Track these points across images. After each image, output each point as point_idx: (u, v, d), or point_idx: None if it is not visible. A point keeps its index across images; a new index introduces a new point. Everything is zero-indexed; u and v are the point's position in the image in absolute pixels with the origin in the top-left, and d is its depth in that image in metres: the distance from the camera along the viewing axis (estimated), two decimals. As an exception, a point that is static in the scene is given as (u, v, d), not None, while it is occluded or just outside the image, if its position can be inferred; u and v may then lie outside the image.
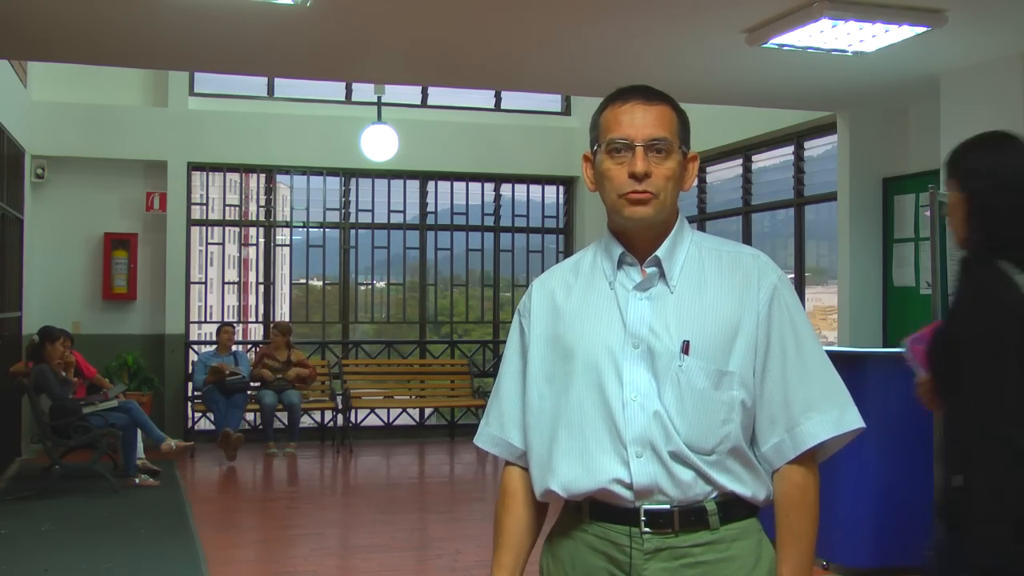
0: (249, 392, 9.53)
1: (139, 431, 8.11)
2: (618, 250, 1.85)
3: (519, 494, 1.91)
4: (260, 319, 10.58)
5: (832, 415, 1.80)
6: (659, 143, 1.79)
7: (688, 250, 1.85)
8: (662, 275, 1.82)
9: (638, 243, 1.84)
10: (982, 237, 2.36)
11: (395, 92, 9.88)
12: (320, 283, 10.87)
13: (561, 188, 11.32)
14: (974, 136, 2.47)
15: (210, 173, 10.42)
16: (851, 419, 1.81)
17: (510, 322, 1.99)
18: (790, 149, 8.29)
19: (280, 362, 9.66)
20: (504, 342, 1.99)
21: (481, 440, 1.98)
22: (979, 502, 2.15)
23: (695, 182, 1.93)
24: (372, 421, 10.61)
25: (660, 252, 1.82)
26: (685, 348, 1.76)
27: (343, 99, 10.58)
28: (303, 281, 10.77)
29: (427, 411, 10.93)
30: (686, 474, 1.75)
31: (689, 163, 1.86)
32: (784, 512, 1.80)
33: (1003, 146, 2.43)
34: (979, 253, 2.37)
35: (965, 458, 2.21)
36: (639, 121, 1.79)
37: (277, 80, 10.21)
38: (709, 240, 1.90)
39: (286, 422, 9.69)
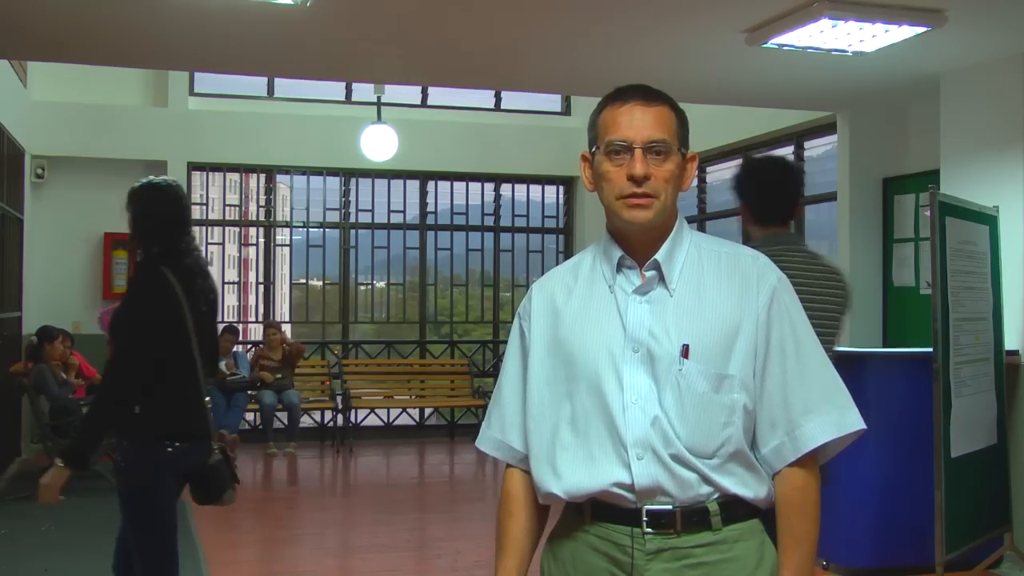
0: (250, 392, 9.54)
1: (139, 431, 8.09)
2: (617, 253, 1.84)
3: (521, 497, 1.90)
4: (260, 319, 10.57)
5: (832, 417, 1.79)
6: (658, 145, 1.78)
7: (687, 252, 1.84)
8: (661, 278, 1.81)
9: (637, 245, 1.83)
10: (147, 249, 3.38)
11: (395, 92, 9.87)
12: (320, 283, 10.87)
13: (561, 188, 11.32)
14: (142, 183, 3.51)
15: (210, 173, 10.42)
16: (852, 421, 1.81)
17: (510, 322, 2.00)
18: (790, 149, 8.28)
19: (276, 361, 9.66)
20: (504, 342, 2.00)
21: (482, 443, 1.98)
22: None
23: (693, 182, 1.91)
24: (372, 421, 10.60)
25: (659, 255, 1.82)
26: (685, 352, 1.75)
27: (343, 99, 10.57)
28: (303, 281, 10.77)
29: (427, 411, 10.93)
30: (688, 475, 1.75)
31: (688, 163, 1.85)
32: (785, 515, 1.80)
33: (154, 188, 3.49)
34: (149, 260, 3.35)
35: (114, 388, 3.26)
36: (638, 123, 1.78)
37: (277, 80, 10.20)
38: (708, 241, 1.89)
39: (286, 422, 9.69)
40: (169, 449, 3.28)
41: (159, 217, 3.41)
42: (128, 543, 3.40)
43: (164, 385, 3.28)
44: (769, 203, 3.31)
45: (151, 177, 3.56)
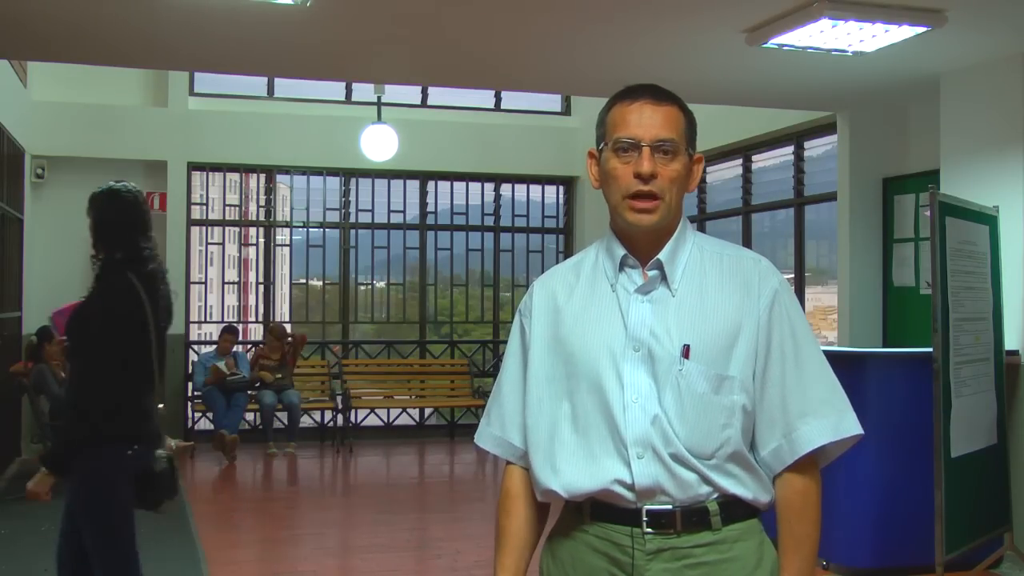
0: (249, 392, 9.54)
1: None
2: (620, 252, 1.84)
3: (520, 495, 1.90)
4: (260, 319, 10.57)
5: (830, 420, 1.79)
6: (666, 144, 1.78)
7: (690, 253, 1.84)
8: (664, 278, 1.81)
9: (640, 245, 1.83)
10: (109, 254, 3.34)
11: (395, 92, 9.87)
12: (320, 283, 10.87)
13: (561, 188, 11.32)
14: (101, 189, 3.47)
15: (210, 173, 10.42)
16: (849, 425, 1.80)
17: (510, 322, 2.00)
18: (790, 149, 8.29)
19: (275, 361, 9.66)
20: (504, 342, 2.00)
21: (482, 439, 1.97)
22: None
23: (698, 183, 1.91)
24: (372, 421, 10.60)
25: (662, 256, 1.82)
26: (685, 352, 1.75)
27: (343, 99, 10.58)
28: (303, 281, 10.77)
29: (427, 411, 10.93)
30: (688, 475, 1.75)
31: (695, 165, 1.86)
32: (786, 518, 1.80)
33: (113, 193, 3.42)
34: (114, 265, 3.33)
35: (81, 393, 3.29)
36: (647, 121, 1.79)
37: (277, 80, 10.21)
38: (711, 243, 1.89)
39: (286, 422, 9.69)
40: (129, 452, 3.32)
41: (118, 222, 3.39)
42: (68, 546, 3.41)
43: (127, 388, 3.30)
44: None
45: (111, 182, 3.50)
